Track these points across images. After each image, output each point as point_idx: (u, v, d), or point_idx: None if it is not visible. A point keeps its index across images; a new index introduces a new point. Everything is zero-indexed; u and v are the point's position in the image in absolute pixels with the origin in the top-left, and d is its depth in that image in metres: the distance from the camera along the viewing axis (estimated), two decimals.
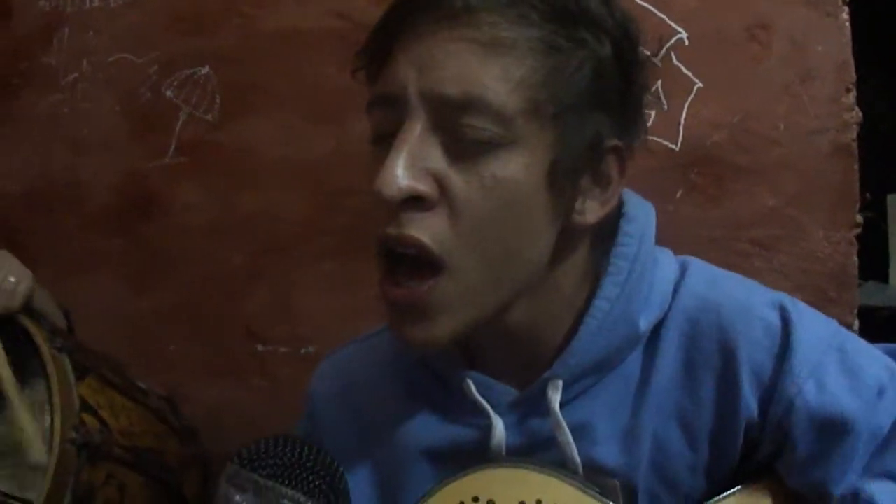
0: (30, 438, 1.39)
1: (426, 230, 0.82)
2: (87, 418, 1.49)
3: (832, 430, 0.89)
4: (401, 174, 0.81)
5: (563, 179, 0.86)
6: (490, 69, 0.81)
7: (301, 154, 1.85)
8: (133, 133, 2.03)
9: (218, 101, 1.93)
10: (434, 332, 0.86)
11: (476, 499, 0.93)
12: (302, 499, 0.69)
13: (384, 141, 0.85)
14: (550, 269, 0.91)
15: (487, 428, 0.95)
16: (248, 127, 1.90)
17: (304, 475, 0.71)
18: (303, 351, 1.84)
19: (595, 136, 0.87)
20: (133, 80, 2.03)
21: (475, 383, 0.96)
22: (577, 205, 0.89)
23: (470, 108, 0.81)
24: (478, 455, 0.96)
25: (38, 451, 1.38)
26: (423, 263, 0.84)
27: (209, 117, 1.94)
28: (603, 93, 0.86)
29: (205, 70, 1.94)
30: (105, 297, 1.99)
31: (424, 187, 0.82)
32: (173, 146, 1.97)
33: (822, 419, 0.89)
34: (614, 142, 0.89)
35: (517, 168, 0.83)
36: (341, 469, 0.74)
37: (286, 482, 0.69)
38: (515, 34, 0.82)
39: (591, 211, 0.90)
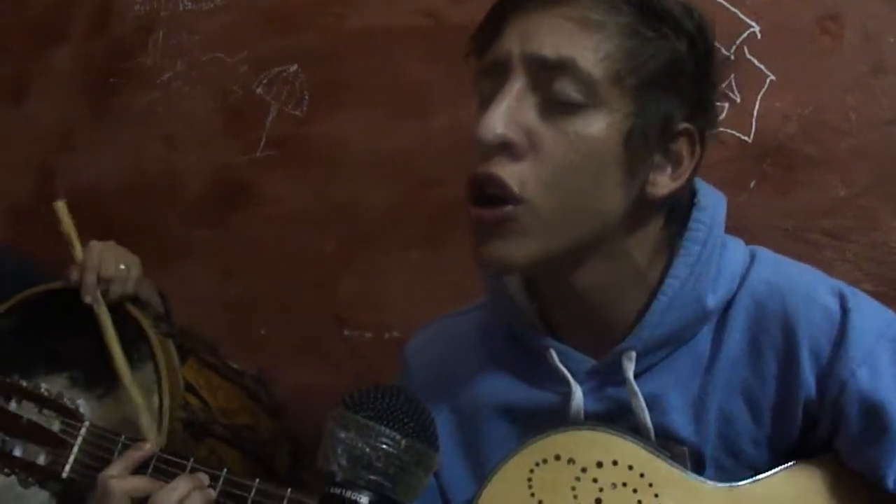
0: (140, 411, 1.50)
1: (511, 173, 0.93)
2: (190, 398, 1.59)
3: (879, 416, 0.96)
4: (498, 123, 0.92)
5: (637, 146, 0.95)
6: (582, 41, 0.93)
7: (387, 147, 1.93)
8: (225, 128, 2.13)
9: (306, 97, 2.02)
10: (510, 253, 0.95)
11: (557, 457, 1.02)
12: (397, 437, 0.78)
13: (485, 104, 0.96)
14: (623, 235, 1.00)
15: (566, 394, 1.04)
16: (335, 121, 1.99)
17: (400, 417, 0.79)
18: (387, 336, 1.92)
19: (668, 116, 0.96)
20: (225, 79, 2.14)
21: (556, 352, 1.05)
22: (650, 177, 0.98)
23: (563, 70, 0.92)
24: (556, 419, 1.04)
25: (146, 421, 1.49)
26: (505, 202, 0.94)
27: (298, 113, 2.04)
28: (677, 80, 0.96)
29: (294, 68, 2.04)
30: (199, 284, 2.09)
31: (516, 137, 0.93)
32: (263, 140, 2.07)
33: (871, 404, 0.96)
34: (686, 125, 0.98)
35: (599, 128, 0.93)
36: (432, 415, 0.83)
37: (384, 423, 0.78)
38: (605, 17, 0.93)
39: (662, 185, 0.99)
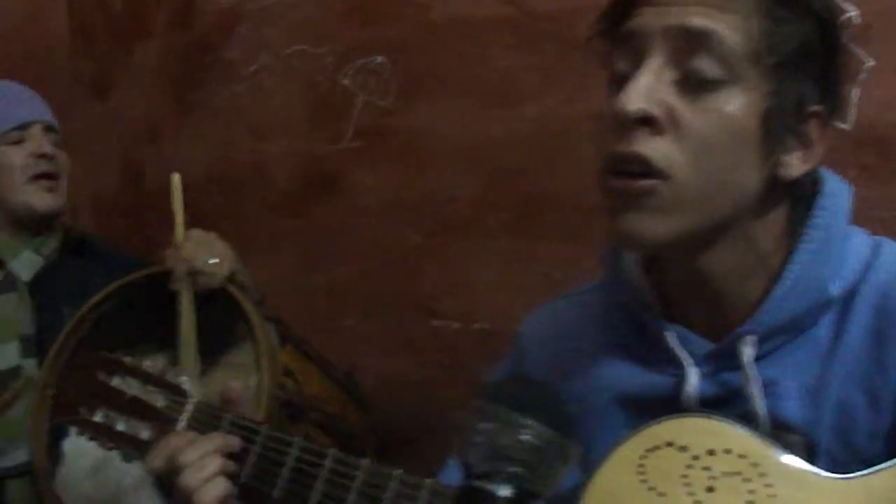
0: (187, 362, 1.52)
1: (655, 150, 0.92)
2: (287, 381, 1.60)
3: None
4: (639, 98, 0.92)
5: (773, 127, 0.94)
6: (722, 19, 0.92)
7: (473, 137, 1.92)
8: (311, 120, 2.15)
9: (393, 87, 2.03)
10: (648, 228, 0.94)
11: (670, 444, 1.00)
12: (541, 428, 0.76)
13: (620, 82, 0.95)
14: (752, 217, 0.98)
15: (681, 377, 1.02)
16: (422, 112, 1.99)
17: (543, 408, 0.78)
18: (475, 326, 1.92)
19: (801, 98, 0.95)
20: (310, 70, 2.15)
21: (674, 335, 1.04)
22: (783, 158, 0.97)
23: (704, 45, 0.92)
24: (669, 402, 1.03)
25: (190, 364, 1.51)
26: (648, 176, 0.93)
27: (384, 103, 2.04)
28: (810, 61, 0.95)
29: (380, 59, 2.04)
30: (285, 274, 2.11)
31: (657, 112, 0.92)
32: (350, 131, 2.08)
33: None
34: (817, 107, 0.97)
35: (738, 106, 0.92)
36: (572, 405, 0.82)
37: (527, 413, 0.77)
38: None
39: (793, 167, 0.97)
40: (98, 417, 1.18)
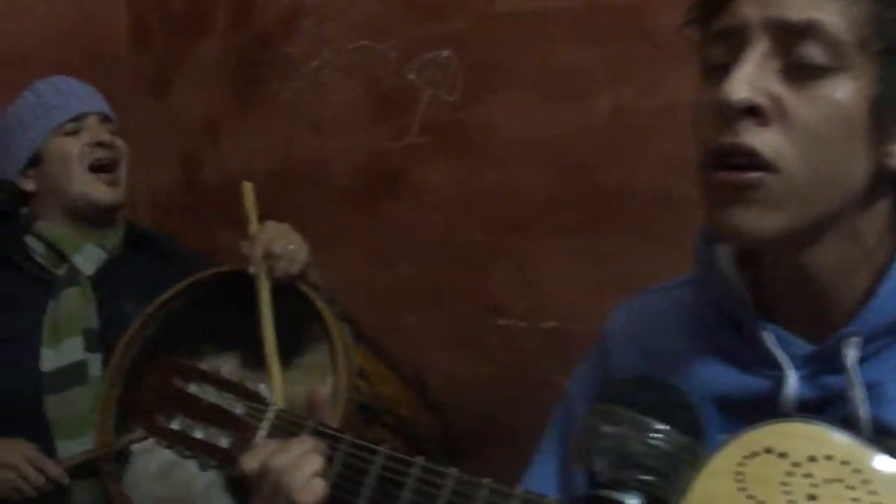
0: (274, 382, 1.50)
1: (762, 141, 0.89)
2: (361, 383, 1.57)
3: None
4: (743, 86, 0.88)
5: (883, 114, 0.90)
6: (825, 6, 0.88)
7: (542, 132, 1.88)
8: (375, 115, 2.12)
9: (460, 82, 1.99)
10: (754, 223, 0.91)
11: (769, 450, 0.95)
12: (672, 432, 0.72)
13: (716, 73, 0.92)
14: (857, 211, 0.94)
15: (778, 379, 0.98)
16: (489, 106, 1.96)
17: (672, 410, 0.74)
18: (543, 325, 1.88)
19: None
20: (374, 65, 2.12)
21: (772, 335, 0.99)
22: (891, 148, 0.92)
23: (809, 33, 0.88)
24: (766, 406, 0.98)
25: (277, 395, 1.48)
26: (754, 169, 0.90)
27: (451, 98, 2.01)
28: None
29: (445, 53, 2.01)
30: (349, 272, 2.08)
31: (763, 101, 0.89)
32: (416, 127, 2.05)
33: None
34: None
35: (847, 93, 0.89)
36: (699, 407, 0.77)
37: (656, 416, 0.72)
38: None
39: None
40: (175, 425, 1.16)
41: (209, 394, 1.17)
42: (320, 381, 1.50)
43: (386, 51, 2.10)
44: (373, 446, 1.07)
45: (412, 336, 2.01)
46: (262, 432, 1.13)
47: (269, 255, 1.61)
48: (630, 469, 0.71)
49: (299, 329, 1.58)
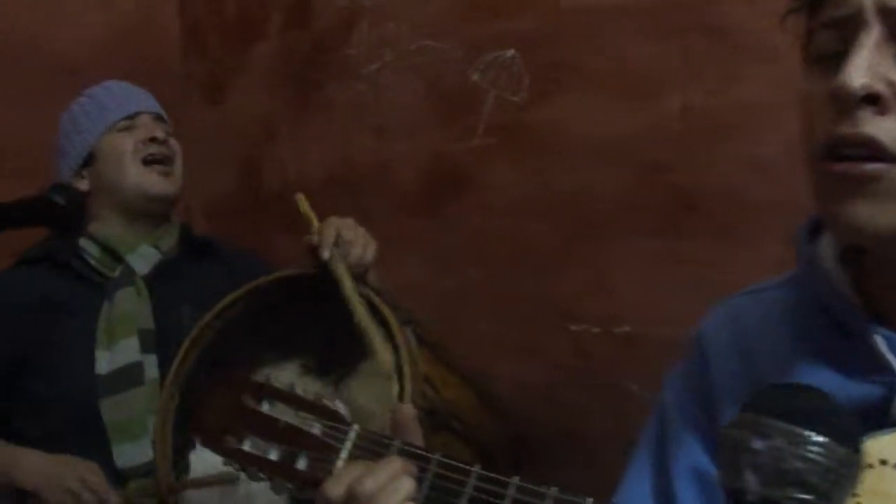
0: (385, 366, 1.45)
1: (883, 130, 0.85)
2: (426, 388, 1.52)
3: None
4: (862, 73, 0.85)
5: None
6: None
7: (613, 131, 1.82)
8: (439, 117, 2.08)
9: (526, 81, 1.94)
10: (874, 216, 0.87)
11: (884, 461, 0.89)
12: (832, 444, 0.66)
13: (827, 62, 0.89)
14: None
15: (892, 386, 0.92)
16: (557, 106, 1.90)
17: (830, 420, 0.68)
18: (617, 331, 1.82)
19: None
20: (437, 66, 2.08)
21: (884, 340, 0.93)
22: None
23: None
24: (877, 414, 0.91)
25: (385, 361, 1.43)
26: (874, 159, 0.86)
27: (517, 98, 1.96)
28: None
29: (510, 52, 1.96)
30: (413, 277, 2.04)
31: (882, 89, 0.85)
32: (481, 128, 2.00)
33: None
34: None
35: None
36: (853, 416, 0.72)
37: (813, 428, 0.67)
38: None
39: None
40: (247, 446, 1.09)
41: (283, 413, 1.11)
42: (385, 388, 1.45)
43: (449, 50, 2.06)
44: (465, 466, 1.01)
45: (479, 343, 1.96)
46: (344, 453, 1.07)
47: (340, 242, 1.56)
48: (787, 487, 0.65)
49: (361, 334, 1.52)
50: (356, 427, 1.08)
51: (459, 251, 2.04)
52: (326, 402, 1.11)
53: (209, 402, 1.16)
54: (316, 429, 1.09)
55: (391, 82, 2.17)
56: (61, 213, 1.42)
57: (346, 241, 1.57)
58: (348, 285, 1.52)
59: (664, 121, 1.77)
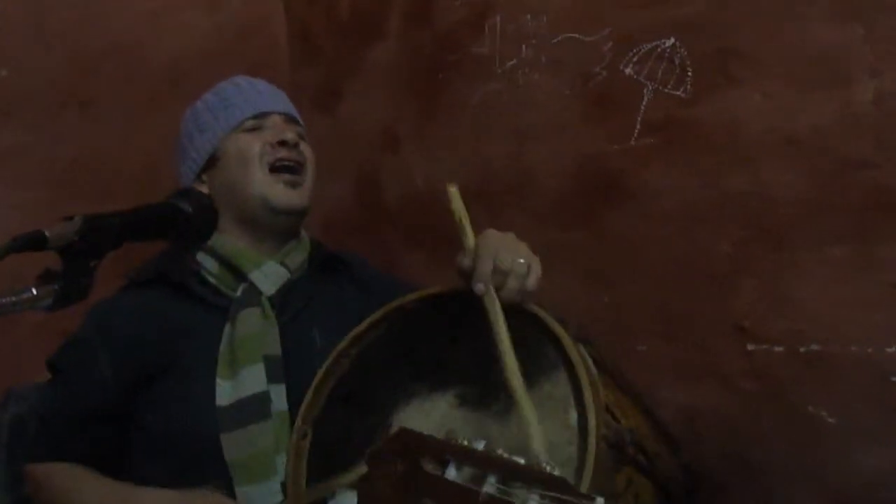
0: (531, 431, 1.25)
1: None
2: (607, 417, 1.33)
3: None
4: None
5: None
6: None
7: (794, 126, 1.63)
8: (588, 116, 1.90)
9: (689, 74, 1.75)
10: None
11: None
12: None
13: None
14: None
15: None
16: (727, 100, 1.71)
17: None
18: (803, 350, 1.62)
19: None
20: (583, 60, 1.91)
21: None
22: None
23: None
24: None
25: (537, 442, 1.23)
26: None
27: (679, 93, 1.77)
28: None
29: (669, 42, 1.78)
30: (562, 293, 1.85)
31: None
32: (638, 127, 1.81)
33: None
34: None
35: None
36: None
37: None
38: None
39: None
40: None
41: (473, 478, 0.92)
42: (561, 416, 1.26)
43: (597, 43, 1.88)
44: None
45: (640, 365, 1.78)
46: None
47: (496, 271, 1.37)
48: None
49: (529, 356, 1.33)
50: (601, 500, 0.87)
51: (616, 264, 1.87)
52: (547, 466, 0.91)
53: (378, 474, 0.97)
54: (519, 499, 0.89)
55: (530, 80, 2.00)
56: (188, 221, 1.26)
57: (502, 271, 1.37)
58: (501, 329, 1.33)
59: (853, 111, 1.57)
